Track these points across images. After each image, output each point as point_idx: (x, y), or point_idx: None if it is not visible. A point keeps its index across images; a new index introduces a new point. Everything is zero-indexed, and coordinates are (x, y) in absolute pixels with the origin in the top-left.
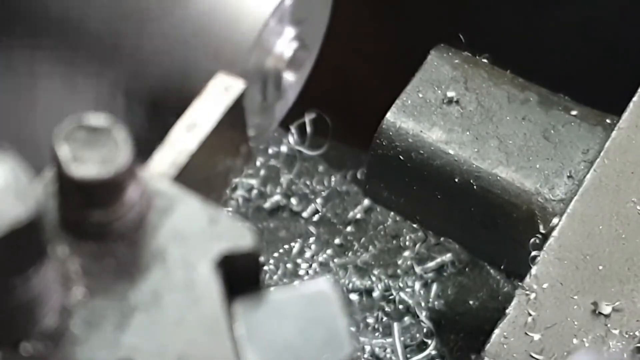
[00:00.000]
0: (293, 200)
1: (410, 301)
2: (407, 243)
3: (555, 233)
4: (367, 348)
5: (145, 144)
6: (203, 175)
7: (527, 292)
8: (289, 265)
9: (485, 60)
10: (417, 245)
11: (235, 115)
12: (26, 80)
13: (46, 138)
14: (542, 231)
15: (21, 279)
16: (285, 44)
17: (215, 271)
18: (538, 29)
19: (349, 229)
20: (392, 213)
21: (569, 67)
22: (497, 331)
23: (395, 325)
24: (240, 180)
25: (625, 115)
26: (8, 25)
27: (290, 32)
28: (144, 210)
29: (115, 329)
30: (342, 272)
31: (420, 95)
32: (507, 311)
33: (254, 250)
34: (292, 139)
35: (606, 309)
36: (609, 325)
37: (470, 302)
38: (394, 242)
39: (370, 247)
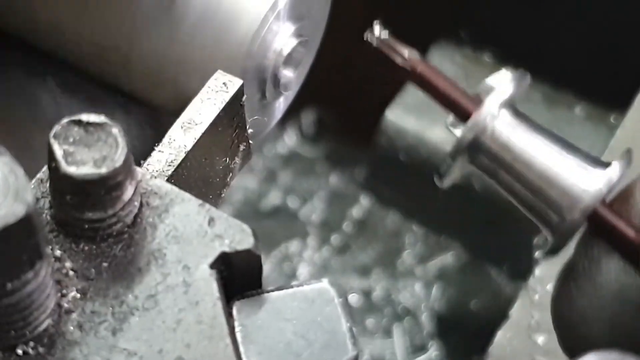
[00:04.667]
0: (292, 200)
1: (410, 302)
2: (407, 243)
3: None
4: (367, 350)
5: (143, 143)
6: (201, 174)
7: (531, 293)
8: (287, 266)
9: (486, 57)
10: (417, 245)
11: (233, 113)
12: (21, 80)
13: (41, 138)
14: None
15: (16, 280)
16: (284, 40)
17: (213, 272)
18: (540, 26)
19: (348, 229)
20: (392, 213)
21: (572, 64)
22: (500, 333)
23: (395, 327)
24: (239, 180)
25: (629, 112)
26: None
27: (289, 28)
28: (141, 210)
29: (111, 332)
30: (341, 273)
31: (421, 94)
32: (510, 312)
33: (252, 251)
34: (290, 138)
35: None
36: None
37: (472, 304)
38: (394, 242)
39: (370, 247)
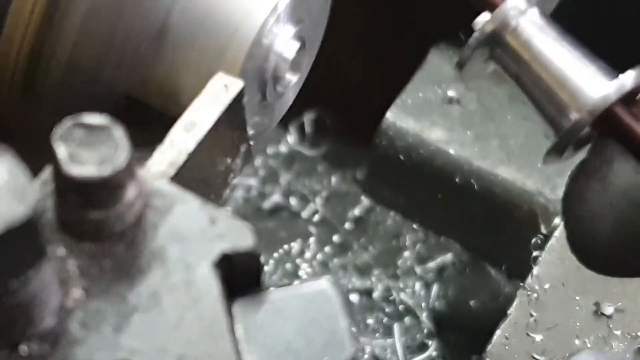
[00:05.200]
0: (292, 200)
1: (410, 302)
2: (407, 243)
3: (556, 233)
4: (368, 349)
5: (144, 144)
6: (202, 175)
7: (529, 293)
8: (288, 266)
9: None
10: (417, 245)
11: (234, 115)
12: None
13: (44, 138)
14: (544, 231)
15: (19, 279)
16: (284, 42)
17: (215, 271)
18: None
19: (348, 229)
20: (392, 213)
21: None
22: (498, 332)
23: (396, 326)
24: (240, 180)
25: None
26: None
27: (289, 30)
28: (143, 210)
29: (114, 330)
30: (342, 272)
31: (421, 95)
32: (508, 312)
33: (253, 250)
34: (291, 138)
35: (608, 310)
36: (611, 326)
37: (471, 303)
38: (394, 242)
39: (370, 247)
